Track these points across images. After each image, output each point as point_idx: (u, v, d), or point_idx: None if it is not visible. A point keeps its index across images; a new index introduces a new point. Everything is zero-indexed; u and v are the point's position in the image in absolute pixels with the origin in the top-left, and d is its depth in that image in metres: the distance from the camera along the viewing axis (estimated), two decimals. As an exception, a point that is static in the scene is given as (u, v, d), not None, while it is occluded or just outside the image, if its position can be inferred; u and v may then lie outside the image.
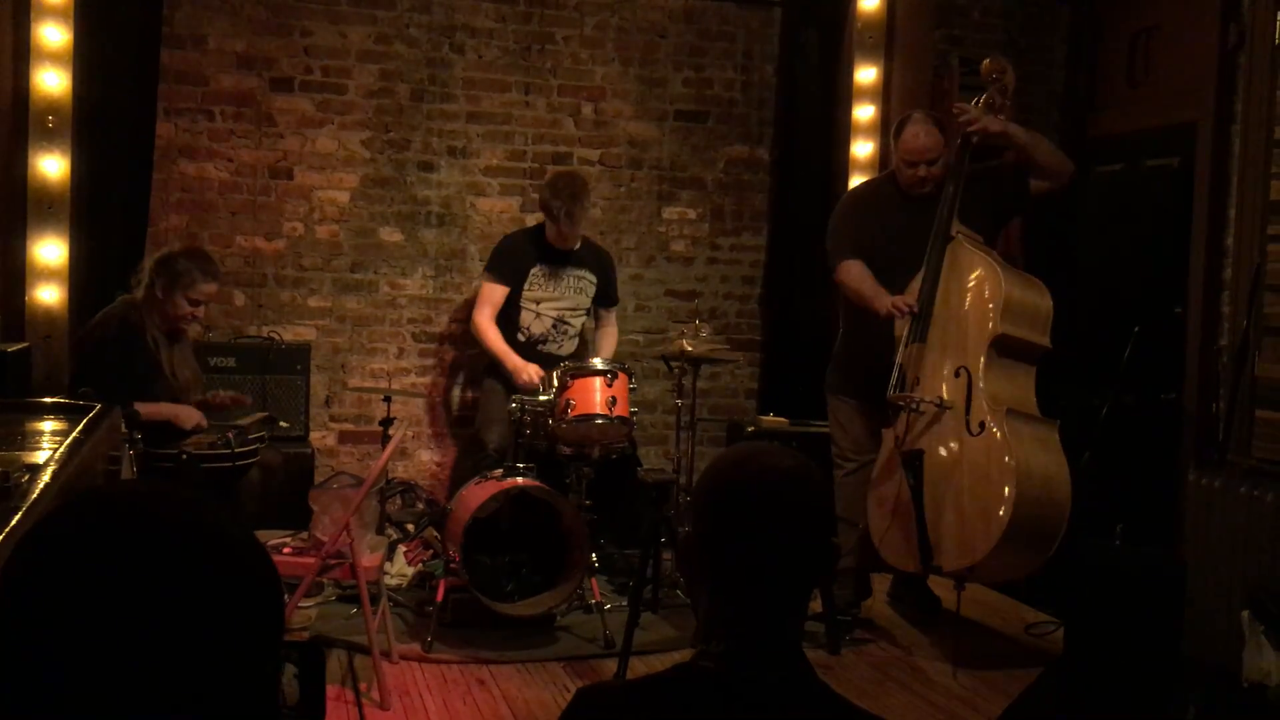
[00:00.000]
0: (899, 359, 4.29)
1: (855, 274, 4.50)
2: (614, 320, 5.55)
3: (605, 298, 5.44)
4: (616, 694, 1.56)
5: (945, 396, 4.18)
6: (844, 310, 4.72)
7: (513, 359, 5.06)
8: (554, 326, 5.27)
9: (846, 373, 4.70)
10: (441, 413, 5.88)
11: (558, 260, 5.25)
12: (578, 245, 5.26)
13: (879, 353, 4.39)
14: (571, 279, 5.28)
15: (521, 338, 5.23)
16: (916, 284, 4.32)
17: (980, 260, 4.26)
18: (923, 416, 4.23)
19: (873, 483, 4.44)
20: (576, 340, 5.39)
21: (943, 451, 4.17)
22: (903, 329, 4.30)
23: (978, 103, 4.47)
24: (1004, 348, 4.18)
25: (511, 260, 5.24)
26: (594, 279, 5.33)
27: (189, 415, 4.38)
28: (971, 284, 4.25)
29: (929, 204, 4.42)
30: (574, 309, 5.32)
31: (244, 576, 0.96)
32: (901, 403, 4.26)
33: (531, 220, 5.73)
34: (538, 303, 5.25)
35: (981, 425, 4.08)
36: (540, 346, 5.25)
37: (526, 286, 5.23)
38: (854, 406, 4.65)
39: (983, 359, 4.14)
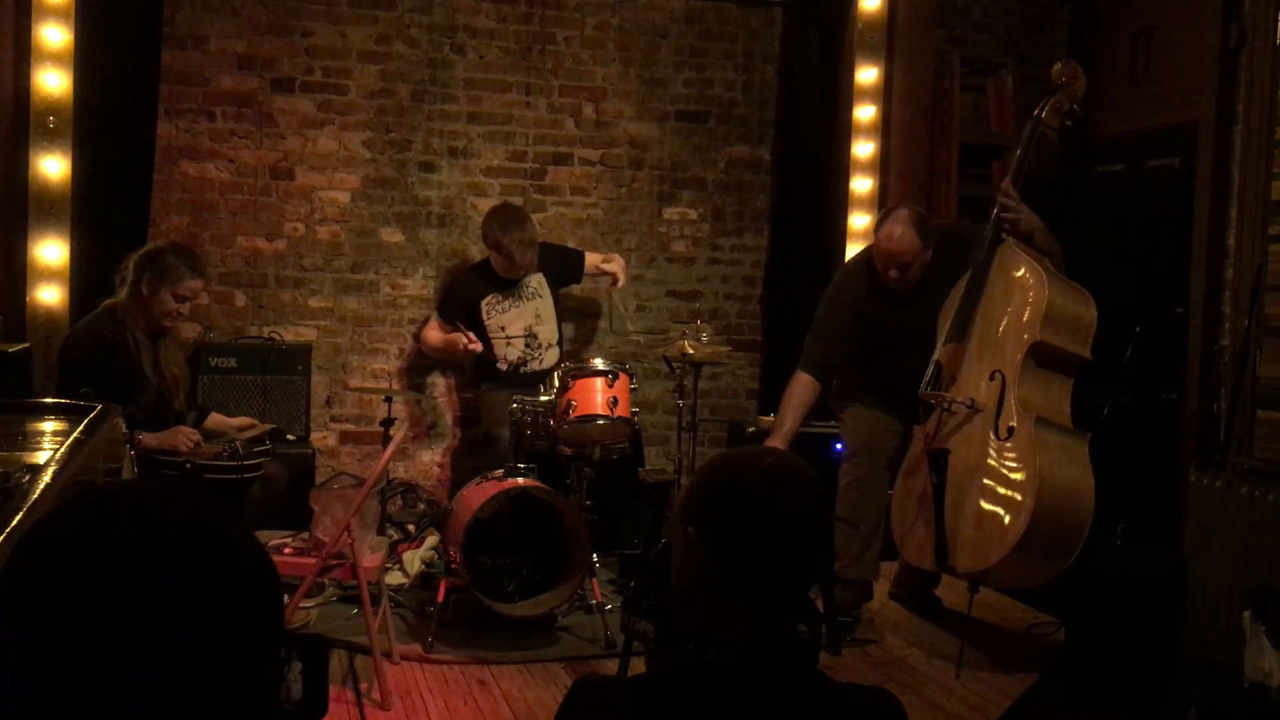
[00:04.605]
0: (936, 355, 4.28)
1: (788, 391, 4.61)
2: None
3: (566, 278, 5.55)
4: (617, 688, 1.56)
5: (977, 398, 4.16)
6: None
7: (451, 337, 5.28)
8: (526, 345, 5.37)
9: (850, 388, 4.74)
10: (442, 413, 5.88)
11: (506, 285, 5.39)
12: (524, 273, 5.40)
13: (882, 375, 4.51)
14: (525, 291, 5.40)
15: (503, 367, 5.37)
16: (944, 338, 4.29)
17: (1027, 264, 4.20)
18: (954, 416, 4.22)
19: (901, 477, 4.45)
20: (556, 350, 5.47)
21: (968, 453, 4.15)
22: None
23: (1045, 106, 4.38)
24: (1042, 355, 4.13)
25: (456, 299, 5.46)
26: (544, 277, 5.43)
27: (184, 439, 4.33)
28: (1015, 288, 4.21)
29: (914, 292, 4.43)
30: (538, 319, 5.42)
31: (242, 575, 0.96)
32: (933, 401, 4.26)
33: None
34: (503, 329, 5.37)
35: (1010, 431, 4.05)
36: (522, 369, 5.37)
37: (485, 317, 5.37)
38: (858, 411, 4.66)
39: (1019, 364, 4.11)
